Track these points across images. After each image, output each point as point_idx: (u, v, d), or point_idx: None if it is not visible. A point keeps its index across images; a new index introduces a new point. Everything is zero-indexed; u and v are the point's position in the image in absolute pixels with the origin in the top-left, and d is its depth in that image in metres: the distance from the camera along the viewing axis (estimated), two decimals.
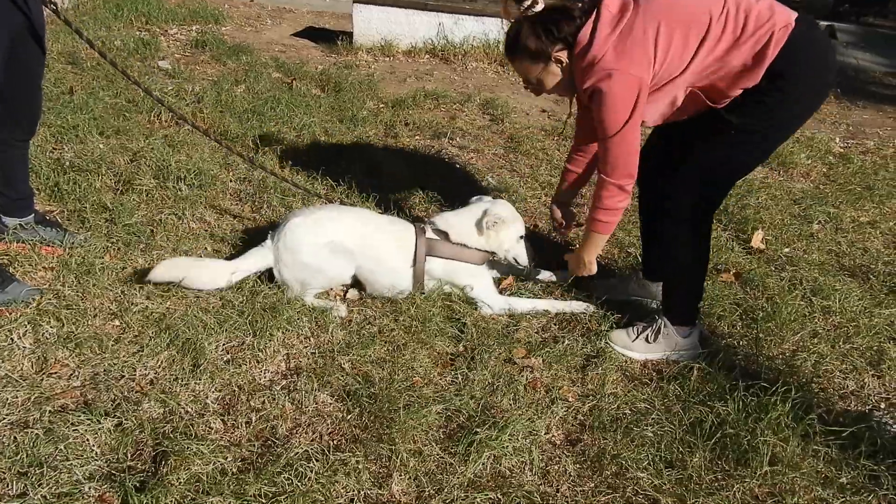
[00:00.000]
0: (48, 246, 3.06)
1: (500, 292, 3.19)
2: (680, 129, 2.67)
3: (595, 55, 2.40)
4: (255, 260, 2.97)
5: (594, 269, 2.98)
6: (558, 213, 3.23)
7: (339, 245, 2.93)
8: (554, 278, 3.37)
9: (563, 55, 2.54)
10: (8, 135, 2.90)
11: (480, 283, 3.10)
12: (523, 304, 3.11)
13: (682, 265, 2.81)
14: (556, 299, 3.20)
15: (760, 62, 2.35)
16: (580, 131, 3.00)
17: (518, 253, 3.16)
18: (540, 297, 3.22)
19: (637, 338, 2.88)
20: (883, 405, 2.74)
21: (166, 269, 2.84)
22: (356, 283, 3.11)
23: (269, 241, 2.98)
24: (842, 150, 5.45)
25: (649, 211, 3.08)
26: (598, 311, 3.08)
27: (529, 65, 2.61)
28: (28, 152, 3.08)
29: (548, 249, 3.60)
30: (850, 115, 6.44)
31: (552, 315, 3.08)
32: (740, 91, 2.42)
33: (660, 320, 2.88)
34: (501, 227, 3.09)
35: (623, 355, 2.87)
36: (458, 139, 4.94)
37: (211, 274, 2.91)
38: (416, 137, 4.91)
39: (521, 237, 3.15)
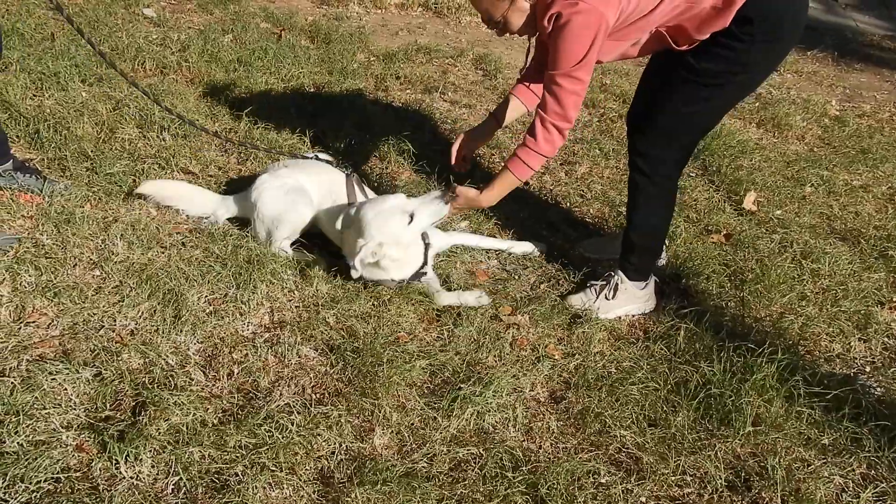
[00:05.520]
0: (27, 194, 2.99)
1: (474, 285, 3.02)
2: (657, 78, 2.64)
3: None
4: (237, 208, 3.06)
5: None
6: (464, 148, 2.91)
7: (297, 187, 2.94)
8: (534, 250, 3.19)
9: None
10: None
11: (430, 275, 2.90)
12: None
13: (645, 223, 2.78)
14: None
15: (731, 4, 2.27)
16: (532, 69, 2.81)
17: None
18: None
19: (597, 298, 2.84)
20: (868, 369, 2.74)
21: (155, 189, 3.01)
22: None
23: (248, 195, 3.02)
24: (837, 113, 5.38)
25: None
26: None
27: (497, 1, 2.39)
28: None
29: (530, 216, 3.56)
30: (848, 77, 6.36)
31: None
32: (708, 35, 2.34)
33: (615, 276, 2.84)
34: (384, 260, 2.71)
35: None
36: (449, 94, 4.84)
37: (201, 202, 3.09)
38: (407, 91, 4.81)
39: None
